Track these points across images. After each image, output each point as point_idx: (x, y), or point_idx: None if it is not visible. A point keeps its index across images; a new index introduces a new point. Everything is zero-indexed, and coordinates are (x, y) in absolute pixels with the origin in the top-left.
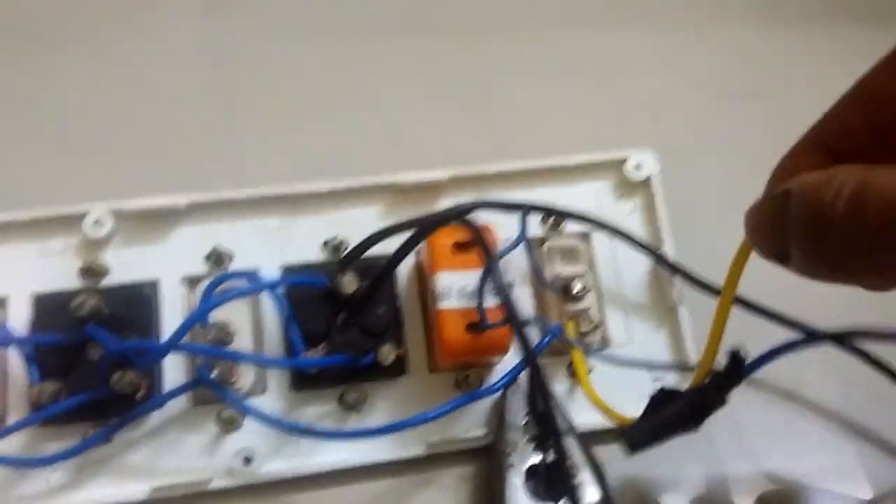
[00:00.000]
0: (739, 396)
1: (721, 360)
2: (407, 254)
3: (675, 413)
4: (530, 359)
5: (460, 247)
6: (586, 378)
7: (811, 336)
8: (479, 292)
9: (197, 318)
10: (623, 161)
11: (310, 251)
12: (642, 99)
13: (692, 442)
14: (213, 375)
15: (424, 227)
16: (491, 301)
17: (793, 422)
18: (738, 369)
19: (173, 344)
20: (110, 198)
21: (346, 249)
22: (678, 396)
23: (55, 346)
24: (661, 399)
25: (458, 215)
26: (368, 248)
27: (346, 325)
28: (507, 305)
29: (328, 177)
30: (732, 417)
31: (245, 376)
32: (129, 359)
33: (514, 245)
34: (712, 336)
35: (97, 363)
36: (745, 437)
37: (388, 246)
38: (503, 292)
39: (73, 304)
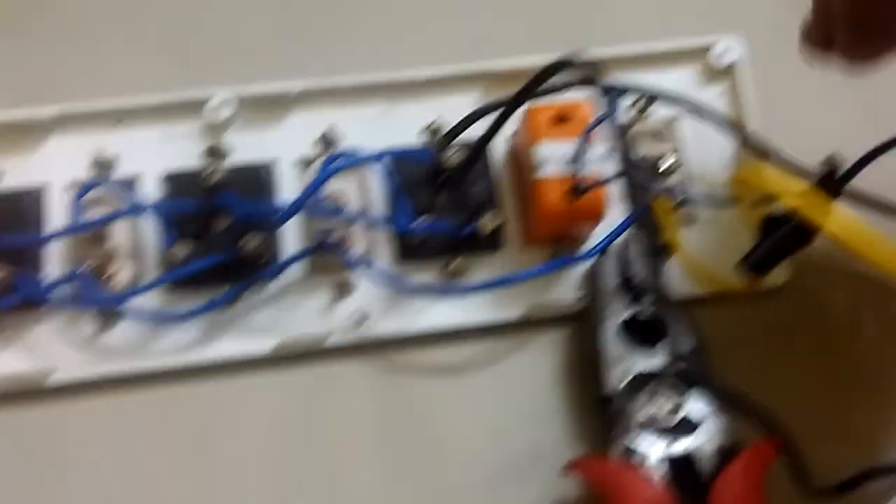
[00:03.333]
0: None
1: None
2: (504, 122)
3: (786, 233)
4: (642, 198)
5: (557, 119)
6: (677, 241)
7: None
8: (576, 159)
9: (317, 185)
10: (708, 48)
11: (411, 136)
12: None
13: None
14: (330, 241)
15: (521, 97)
16: (587, 169)
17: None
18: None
19: (300, 205)
20: (231, 84)
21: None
22: (785, 220)
23: (185, 215)
24: (771, 224)
25: (554, 90)
26: (470, 124)
27: (448, 200)
28: (623, 151)
29: (429, 64)
30: None
31: (357, 245)
32: (256, 225)
33: (608, 115)
34: None
35: (227, 228)
36: None
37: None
38: (618, 139)
39: (203, 174)
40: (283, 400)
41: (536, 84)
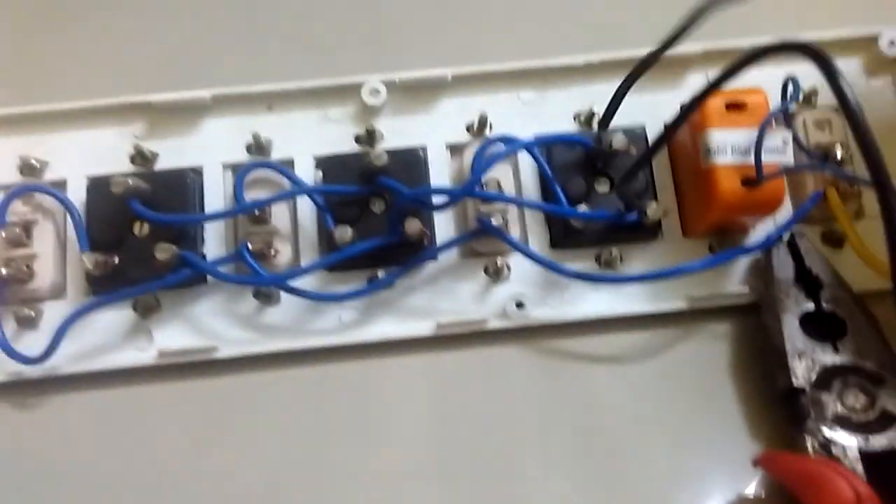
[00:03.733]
0: None
1: None
2: (693, 110)
3: None
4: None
5: (732, 106)
6: (854, 233)
7: None
8: (758, 146)
9: (480, 172)
10: (876, 37)
11: (562, 123)
12: None
13: None
14: (492, 223)
15: (720, 81)
16: (765, 158)
17: None
18: None
19: (470, 189)
20: (383, 70)
21: (597, 123)
22: None
23: (344, 197)
24: None
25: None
26: (622, 97)
27: (606, 186)
28: (860, 126)
29: (579, 50)
30: None
31: (513, 231)
32: (412, 208)
33: (787, 105)
34: None
35: (391, 210)
36: None
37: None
38: (855, 117)
39: (367, 158)
40: (440, 381)
41: (741, 67)
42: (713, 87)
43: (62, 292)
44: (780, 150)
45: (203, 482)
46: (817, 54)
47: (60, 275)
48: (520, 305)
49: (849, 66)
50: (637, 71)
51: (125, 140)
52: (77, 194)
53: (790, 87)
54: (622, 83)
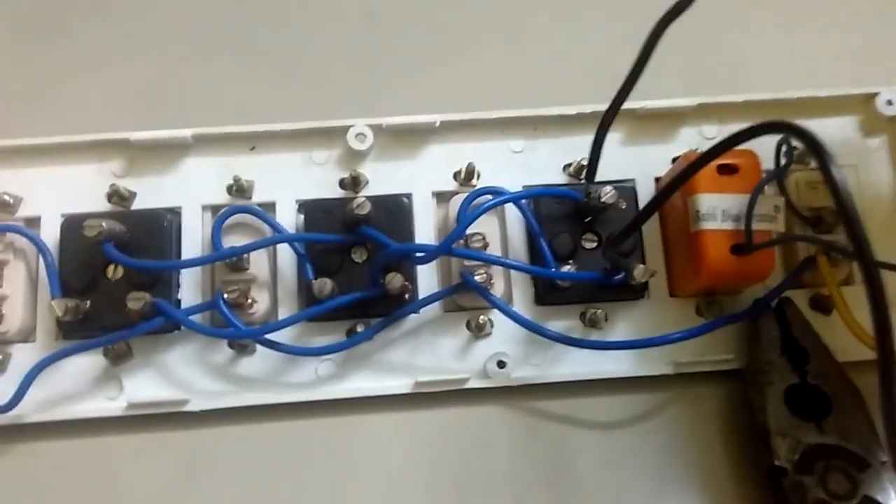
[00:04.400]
0: None
1: None
2: (685, 180)
3: None
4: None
5: (724, 169)
6: (842, 301)
7: None
8: (748, 214)
9: (463, 228)
10: (873, 96)
11: (551, 174)
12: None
13: None
14: (474, 279)
15: (711, 155)
16: (756, 225)
17: None
18: None
19: (447, 246)
20: (370, 114)
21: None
22: None
23: (326, 247)
24: None
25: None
26: (600, 145)
27: (594, 243)
28: (847, 210)
29: (571, 100)
30: None
31: (497, 286)
32: (398, 262)
33: (782, 170)
34: None
35: (373, 263)
36: None
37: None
38: (843, 195)
39: (351, 206)
40: (416, 439)
41: (735, 142)
42: (701, 164)
43: (31, 334)
44: (771, 217)
45: None
46: (806, 135)
47: (30, 318)
48: (501, 364)
49: (845, 125)
50: (610, 113)
51: (103, 177)
52: (51, 232)
53: (784, 149)
54: (598, 130)
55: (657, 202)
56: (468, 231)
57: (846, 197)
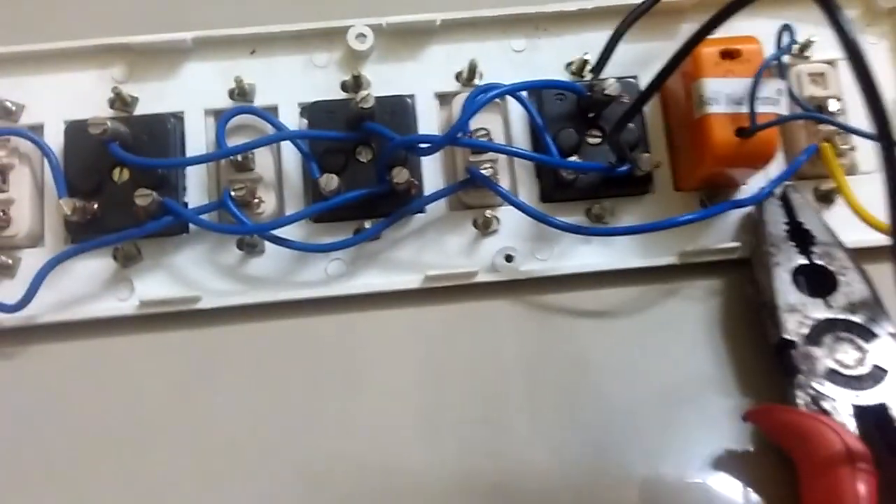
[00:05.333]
0: None
1: None
2: (681, 60)
3: None
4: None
5: (726, 54)
6: (848, 188)
7: None
8: (752, 96)
9: (468, 117)
10: None
11: (554, 72)
12: None
13: None
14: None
15: (707, 30)
16: (760, 108)
17: None
18: None
19: (452, 136)
20: (370, 14)
21: (589, 70)
22: None
23: (330, 145)
24: None
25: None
26: (616, 43)
27: (598, 138)
28: (856, 55)
29: None
30: None
31: (502, 183)
32: (403, 159)
33: (782, 53)
34: None
35: (378, 158)
36: None
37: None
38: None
39: (354, 102)
40: (426, 334)
41: (725, 17)
42: (708, 30)
43: (40, 239)
44: (774, 100)
45: (184, 434)
46: None
47: (38, 221)
48: (509, 259)
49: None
50: (634, 16)
51: (104, 83)
52: (54, 139)
53: (785, 36)
54: (616, 29)
55: (660, 79)
56: (472, 127)
57: (855, 45)
